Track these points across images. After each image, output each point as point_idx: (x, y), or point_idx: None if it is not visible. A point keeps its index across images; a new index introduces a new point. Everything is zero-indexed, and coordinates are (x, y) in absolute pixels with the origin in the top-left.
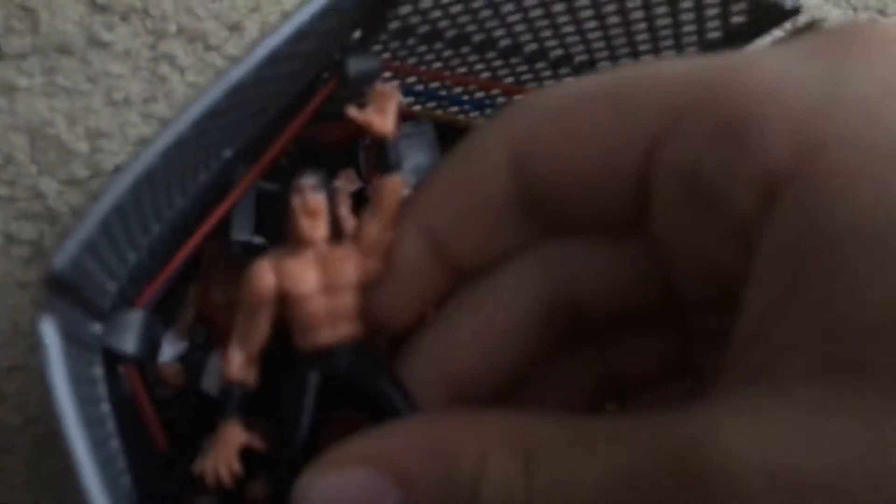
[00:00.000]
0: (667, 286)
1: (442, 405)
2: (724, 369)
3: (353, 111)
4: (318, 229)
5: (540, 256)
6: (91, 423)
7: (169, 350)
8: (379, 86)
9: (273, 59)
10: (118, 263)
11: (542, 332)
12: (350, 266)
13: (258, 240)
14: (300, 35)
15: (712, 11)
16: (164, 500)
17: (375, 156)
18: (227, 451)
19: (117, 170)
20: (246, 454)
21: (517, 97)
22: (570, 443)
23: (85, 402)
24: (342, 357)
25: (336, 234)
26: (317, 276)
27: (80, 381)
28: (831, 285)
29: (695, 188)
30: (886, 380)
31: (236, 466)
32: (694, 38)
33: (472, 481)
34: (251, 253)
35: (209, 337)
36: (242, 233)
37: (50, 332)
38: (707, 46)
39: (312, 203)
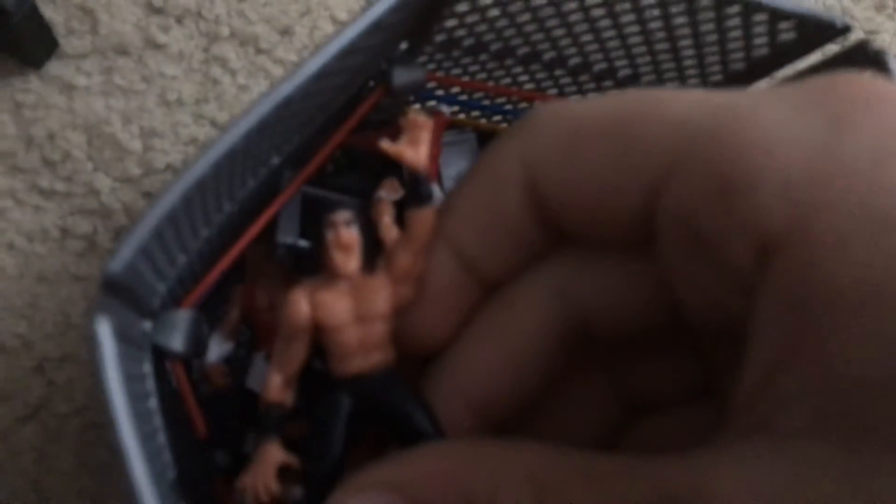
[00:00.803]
0: (677, 311)
1: (466, 425)
2: (730, 418)
3: (385, 144)
4: (350, 263)
5: (554, 277)
6: (140, 417)
7: (215, 351)
8: (413, 115)
9: (322, 75)
10: (168, 265)
11: (559, 354)
12: (382, 296)
13: (303, 243)
14: (349, 51)
15: (760, 28)
16: (206, 494)
17: (409, 186)
18: (265, 470)
19: (168, 169)
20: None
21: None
22: (580, 477)
23: (135, 398)
24: (372, 382)
25: (376, 246)
26: (350, 306)
27: (130, 378)
28: (827, 344)
29: (694, 237)
30: (881, 438)
31: (274, 486)
32: (741, 55)
33: None
34: (296, 256)
35: (253, 337)
36: (288, 236)
37: (104, 331)
38: (754, 63)
39: (346, 237)
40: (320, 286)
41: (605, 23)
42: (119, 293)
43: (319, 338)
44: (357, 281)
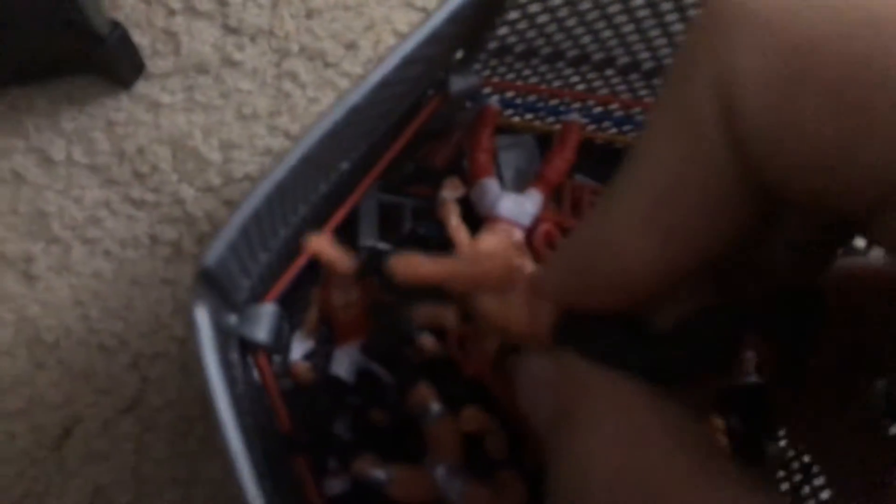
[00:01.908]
0: None
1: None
2: None
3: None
4: None
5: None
6: (233, 399)
7: (298, 349)
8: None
9: (385, 84)
10: (252, 262)
11: (731, 164)
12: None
13: (383, 245)
14: (409, 61)
15: None
16: (286, 480)
17: None
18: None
19: (246, 178)
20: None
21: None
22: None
23: (229, 382)
24: None
25: (446, 245)
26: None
27: (224, 364)
28: None
29: None
30: None
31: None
32: None
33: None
34: (375, 258)
35: (331, 334)
36: (368, 239)
37: (203, 319)
38: None
39: None
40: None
41: (651, 22)
42: (211, 286)
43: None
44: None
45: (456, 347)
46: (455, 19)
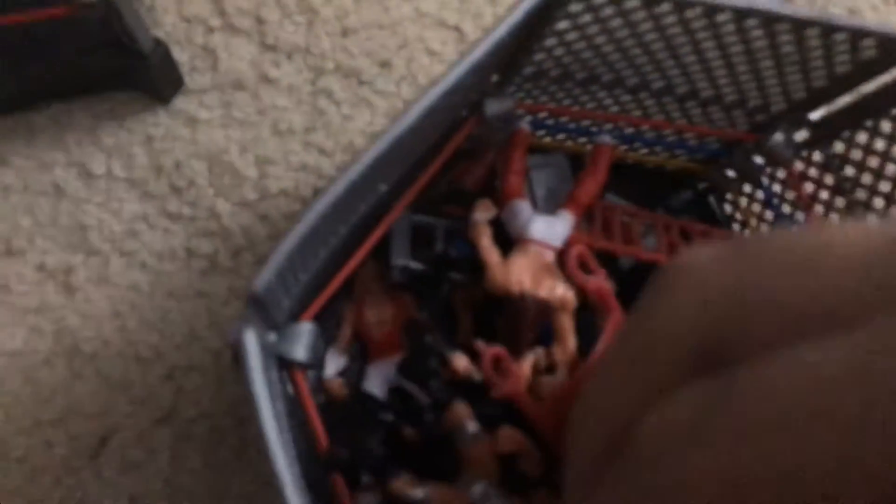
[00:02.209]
0: None
1: None
2: None
3: None
4: None
5: None
6: (276, 416)
7: (332, 366)
8: None
9: (428, 114)
10: (294, 283)
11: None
12: None
13: (415, 265)
14: (451, 91)
15: (841, 47)
16: (324, 490)
17: None
18: None
19: (281, 193)
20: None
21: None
22: None
23: (271, 399)
24: None
25: (477, 266)
26: None
27: (267, 382)
28: None
29: None
30: None
31: None
32: (823, 73)
33: None
34: (408, 275)
35: (364, 351)
36: (401, 258)
37: (251, 341)
38: (837, 79)
39: None
40: None
41: (687, 49)
42: (258, 309)
43: None
44: None
45: (490, 369)
46: (496, 50)
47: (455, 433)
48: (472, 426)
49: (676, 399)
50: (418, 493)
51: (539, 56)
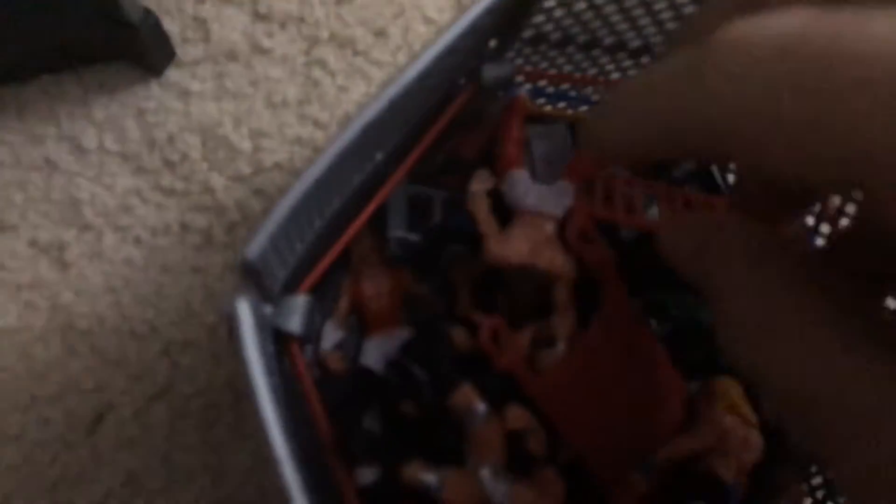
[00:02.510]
0: None
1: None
2: None
3: None
4: None
5: None
6: (273, 390)
7: (329, 339)
8: None
9: (423, 76)
10: (289, 254)
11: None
12: None
13: (412, 237)
14: (446, 53)
15: None
16: (318, 465)
17: None
18: None
19: (276, 167)
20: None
21: None
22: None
23: (267, 372)
24: None
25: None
26: None
27: (263, 356)
28: None
29: None
30: None
31: None
32: None
33: None
34: (405, 247)
35: (362, 324)
36: (398, 230)
37: (245, 310)
38: None
39: None
40: None
41: (690, 8)
42: (251, 278)
43: None
44: None
45: (488, 340)
46: (494, 9)
47: (464, 416)
48: (481, 408)
49: None
50: (431, 478)
51: (538, 18)
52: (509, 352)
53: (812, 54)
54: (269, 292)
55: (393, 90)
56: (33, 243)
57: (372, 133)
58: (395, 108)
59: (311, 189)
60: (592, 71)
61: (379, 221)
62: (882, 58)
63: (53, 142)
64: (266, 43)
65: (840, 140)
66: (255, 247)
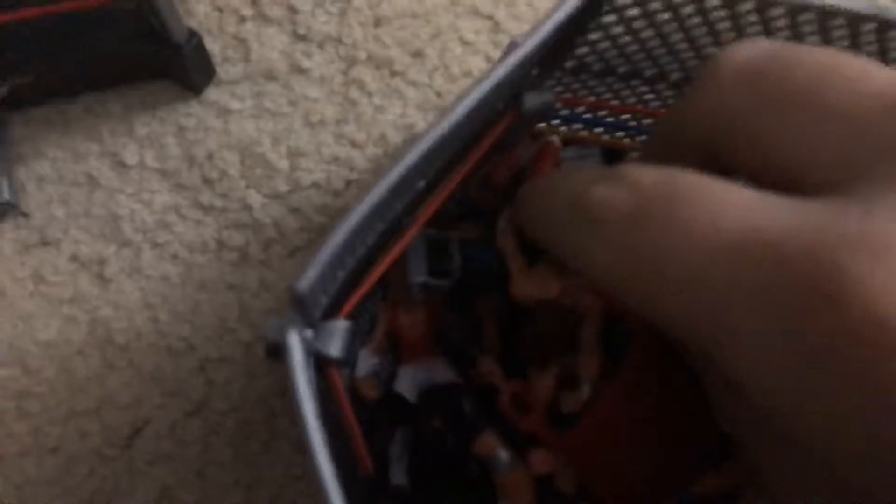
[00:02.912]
0: None
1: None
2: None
3: None
4: None
5: None
6: (318, 414)
7: (364, 366)
8: None
9: (472, 111)
10: (332, 281)
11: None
12: None
13: (433, 281)
14: (495, 88)
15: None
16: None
17: None
18: None
19: (313, 186)
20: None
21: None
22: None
23: (314, 398)
24: None
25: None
26: None
27: (309, 381)
28: None
29: None
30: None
31: None
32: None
33: None
34: (427, 293)
35: (397, 353)
36: (419, 276)
37: (294, 343)
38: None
39: None
40: None
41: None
42: (299, 309)
43: None
44: None
45: (509, 407)
46: (542, 45)
47: (488, 463)
48: (504, 455)
49: None
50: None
51: (582, 50)
52: (531, 416)
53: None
54: (311, 318)
55: (445, 125)
56: (74, 258)
57: (418, 166)
58: (443, 142)
59: (361, 222)
60: (632, 100)
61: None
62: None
63: (95, 158)
64: (305, 63)
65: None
66: (307, 280)
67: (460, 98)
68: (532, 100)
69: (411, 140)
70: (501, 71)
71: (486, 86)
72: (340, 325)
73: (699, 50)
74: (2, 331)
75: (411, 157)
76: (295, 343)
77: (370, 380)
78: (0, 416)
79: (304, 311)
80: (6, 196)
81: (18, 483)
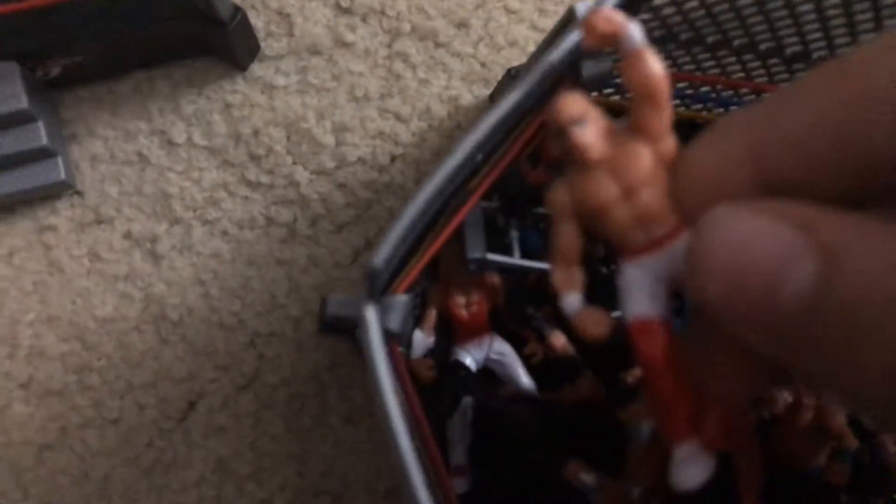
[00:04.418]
0: None
1: (741, 191)
2: None
3: None
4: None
5: None
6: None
7: (420, 347)
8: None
9: (534, 86)
10: (395, 257)
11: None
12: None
13: (492, 257)
14: (556, 62)
15: None
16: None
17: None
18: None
19: (359, 161)
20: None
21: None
22: None
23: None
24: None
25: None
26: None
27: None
28: None
29: None
30: None
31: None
32: None
33: None
34: (484, 268)
35: (450, 332)
36: (476, 252)
37: (372, 317)
38: None
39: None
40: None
41: (807, 6)
42: (372, 283)
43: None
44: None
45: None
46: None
47: (578, 489)
48: (588, 479)
49: None
50: (589, 479)
51: (644, 15)
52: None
53: None
54: (375, 293)
55: (505, 106)
56: (128, 236)
57: (484, 140)
58: (507, 116)
59: (431, 198)
60: (689, 67)
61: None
62: None
63: (145, 137)
64: (348, 37)
65: None
66: (381, 255)
67: (526, 72)
68: (591, 68)
69: (475, 119)
70: (570, 41)
71: (556, 57)
72: (400, 300)
73: (768, 13)
74: (62, 307)
75: (478, 132)
76: (372, 318)
77: (426, 360)
78: (63, 389)
79: (375, 286)
80: (62, 175)
81: (81, 454)
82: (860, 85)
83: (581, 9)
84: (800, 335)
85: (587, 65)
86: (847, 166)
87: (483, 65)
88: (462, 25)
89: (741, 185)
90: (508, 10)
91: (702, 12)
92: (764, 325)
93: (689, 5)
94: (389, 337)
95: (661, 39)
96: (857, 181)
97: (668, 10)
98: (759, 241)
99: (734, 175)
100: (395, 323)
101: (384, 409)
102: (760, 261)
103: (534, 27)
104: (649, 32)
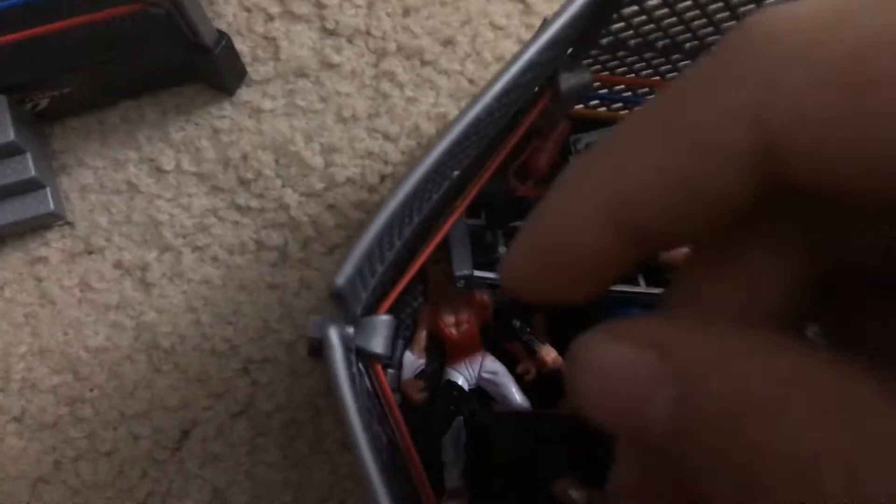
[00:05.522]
0: None
1: (602, 242)
2: None
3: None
4: None
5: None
6: (361, 411)
7: (410, 368)
8: None
9: (503, 94)
10: (370, 276)
11: (743, 184)
12: None
13: (479, 274)
14: (527, 68)
15: None
16: (407, 483)
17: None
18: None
19: (348, 182)
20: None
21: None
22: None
23: (356, 394)
24: None
25: None
26: None
27: (351, 377)
28: None
29: None
30: None
31: None
32: None
33: (771, 424)
34: (473, 285)
35: (441, 352)
36: (463, 269)
37: (334, 337)
38: None
39: None
40: None
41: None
42: (338, 303)
43: None
44: None
45: None
46: (573, 23)
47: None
48: (578, 496)
49: None
50: (579, 496)
51: (618, 25)
52: None
53: None
54: (352, 314)
55: (474, 112)
56: (118, 265)
57: (451, 154)
58: (477, 127)
59: (394, 214)
60: (672, 76)
61: (448, 249)
62: None
63: (134, 165)
64: (335, 58)
65: None
66: (343, 275)
67: (491, 83)
68: (568, 80)
69: (444, 128)
70: (532, 50)
71: (517, 67)
72: (381, 320)
73: (740, 18)
74: (53, 339)
75: (442, 146)
76: (335, 339)
77: (416, 382)
78: (56, 421)
79: (344, 307)
80: (51, 206)
81: (75, 487)
82: (687, 133)
83: None
84: (671, 448)
85: (565, 77)
86: (698, 213)
87: (471, 81)
88: (448, 43)
89: (601, 240)
90: (495, 26)
91: (673, 19)
92: (640, 441)
93: (658, 13)
94: (372, 358)
95: (639, 48)
96: (717, 223)
97: (639, 18)
98: (621, 370)
99: (593, 233)
100: (378, 345)
101: (350, 432)
102: (624, 389)
103: (520, 42)
104: (625, 42)
